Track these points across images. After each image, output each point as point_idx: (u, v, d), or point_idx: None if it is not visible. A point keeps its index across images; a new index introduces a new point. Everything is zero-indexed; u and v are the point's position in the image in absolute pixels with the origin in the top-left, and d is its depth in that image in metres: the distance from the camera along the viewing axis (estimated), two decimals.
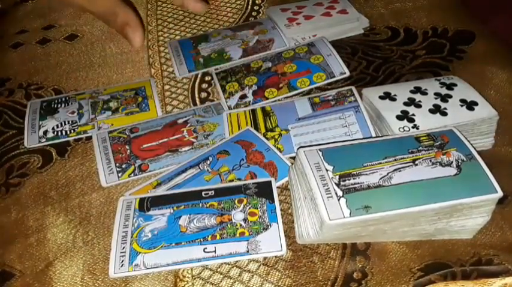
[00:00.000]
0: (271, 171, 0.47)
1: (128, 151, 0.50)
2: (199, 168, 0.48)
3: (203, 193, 0.45)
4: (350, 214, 0.37)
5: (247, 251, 0.40)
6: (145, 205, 0.44)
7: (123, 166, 0.49)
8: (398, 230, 0.40)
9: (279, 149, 0.49)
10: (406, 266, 0.40)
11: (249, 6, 0.70)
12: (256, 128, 0.51)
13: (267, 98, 0.55)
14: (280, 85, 0.56)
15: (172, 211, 0.44)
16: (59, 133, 0.53)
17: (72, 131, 0.53)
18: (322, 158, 0.41)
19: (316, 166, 0.41)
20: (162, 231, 0.42)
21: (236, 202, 0.44)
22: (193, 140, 0.51)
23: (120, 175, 0.48)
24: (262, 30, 0.64)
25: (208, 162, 0.48)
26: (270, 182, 0.45)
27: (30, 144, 0.52)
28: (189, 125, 0.53)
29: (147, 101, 0.56)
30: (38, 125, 0.54)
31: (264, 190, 0.45)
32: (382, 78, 0.56)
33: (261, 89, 0.56)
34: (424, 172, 0.39)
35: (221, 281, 0.40)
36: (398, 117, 0.46)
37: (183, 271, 0.41)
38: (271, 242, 0.41)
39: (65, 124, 0.54)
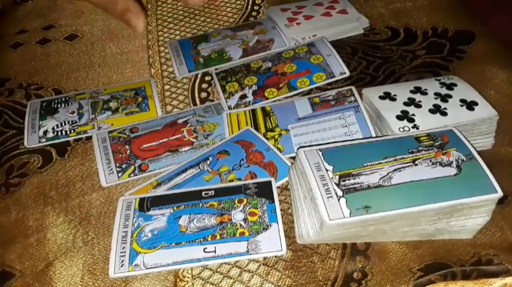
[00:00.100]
0: (271, 171, 0.47)
1: (128, 151, 0.50)
2: (199, 168, 0.48)
3: (203, 193, 0.45)
4: (350, 214, 0.37)
5: (247, 251, 0.40)
6: (145, 205, 0.44)
7: (123, 166, 0.49)
8: (398, 230, 0.40)
9: (279, 149, 0.49)
10: (406, 266, 0.40)
11: (249, 6, 0.70)
12: (256, 128, 0.51)
13: (267, 98, 0.55)
14: (280, 85, 0.56)
15: (172, 211, 0.44)
16: (59, 133, 0.53)
17: (72, 131, 0.53)
18: (322, 158, 0.41)
19: (316, 166, 0.41)
20: (162, 231, 0.42)
21: (236, 202, 0.44)
22: (193, 140, 0.51)
23: (120, 175, 0.48)
24: (262, 30, 0.64)
25: (208, 162, 0.48)
26: (270, 182, 0.45)
27: (30, 144, 0.52)
28: (189, 125, 0.53)
29: (147, 101, 0.56)
30: (38, 125, 0.54)
31: (264, 190, 0.45)
32: (382, 78, 0.56)
33: (261, 89, 0.56)
34: (424, 172, 0.39)
35: (221, 281, 0.40)
36: (398, 117, 0.46)
37: (183, 271, 0.41)
38: (271, 242, 0.41)
39: (65, 124, 0.54)
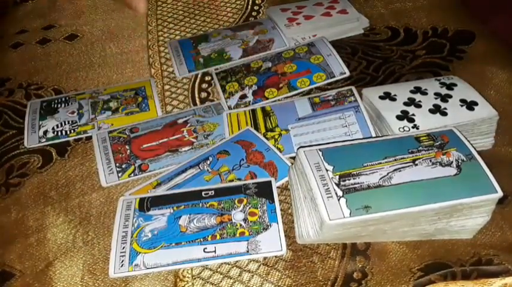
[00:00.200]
0: (271, 171, 0.47)
1: (128, 151, 0.50)
2: (199, 168, 0.48)
3: (203, 193, 0.45)
4: (350, 214, 0.37)
5: (247, 251, 0.40)
6: (145, 205, 0.44)
7: (123, 166, 0.49)
8: (398, 230, 0.40)
9: (279, 149, 0.49)
10: (406, 266, 0.40)
11: (249, 6, 0.70)
12: (256, 128, 0.51)
13: (267, 98, 0.55)
14: (280, 85, 0.56)
15: (172, 211, 0.44)
16: (59, 133, 0.53)
17: (72, 131, 0.53)
18: (322, 158, 0.41)
19: (316, 166, 0.41)
20: (162, 231, 0.42)
21: (236, 202, 0.44)
22: (193, 140, 0.51)
23: (120, 175, 0.48)
24: (262, 30, 0.64)
25: (208, 162, 0.48)
26: (270, 182, 0.45)
27: (30, 144, 0.52)
28: (189, 125, 0.53)
29: (147, 101, 0.56)
30: (38, 125, 0.54)
31: (264, 190, 0.45)
32: (382, 78, 0.56)
33: (261, 89, 0.56)
34: (424, 172, 0.39)
35: (221, 281, 0.40)
36: (398, 117, 0.46)
37: (183, 271, 0.41)
38: (271, 242, 0.41)
39: (65, 124, 0.54)
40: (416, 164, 0.40)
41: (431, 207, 0.37)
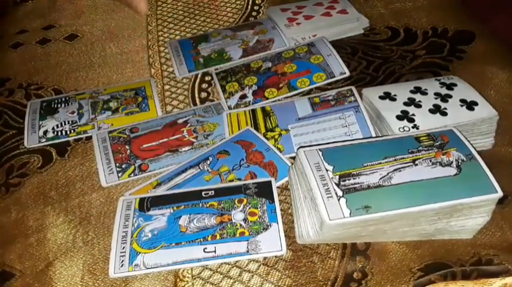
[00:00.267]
0: (271, 171, 0.47)
1: (128, 151, 0.50)
2: (199, 168, 0.48)
3: (203, 193, 0.45)
4: (350, 214, 0.37)
5: (247, 251, 0.40)
6: (145, 205, 0.44)
7: (123, 166, 0.49)
8: (398, 230, 0.40)
9: (279, 149, 0.49)
10: (406, 266, 0.40)
11: (249, 6, 0.70)
12: (256, 128, 0.51)
13: (267, 98, 0.55)
14: (280, 85, 0.56)
15: (172, 211, 0.44)
16: (59, 133, 0.53)
17: (72, 131, 0.53)
18: (322, 158, 0.41)
19: (316, 166, 0.41)
20: (162, 231, 0.42)
21: (236, 202, 0.44)
22: (193, 140, 0.51)
23: (120, 175, 0.48)
24: (262, 30, 0.64)
25: (208, 162, 0.48)
26: (270, 182, 0.45)
27: (30, 144, 0.52)
28: (189, 125, 0.53)
29: (147, 101, 0.56)
30: (38, 125, 0.54)
31: (264, 190, 0.45)
32: (382, 78, 0.56)
33: (261, 89, 0.56)
34: (424, 172, 0.39)
35: (221, 281, 0.40)
36: (398, 117, 0.46)
37: (183, 271, 0.41)
38: (271, 242, 0.41)
39: (65, 124, 0.54)
40: (416, 164, 0.40)
41: (431, 207, 0.37)
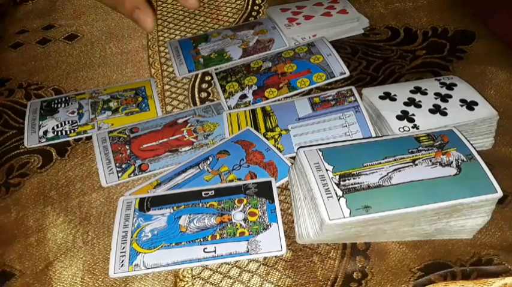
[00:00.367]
0: (271, 171, 0.47)
1: (128, 150, 0.50)
2: (199, 168, 0.48)
3: (203, 193, 0.45)
4: (350, 213, 0.37)
5: (247, 251, 0.40)
6: (145, 204, 0.44)
7: (123, 166, 0.49)
8: (398, 230, 0.40)
9: (279, 149, 0.49)
10: (406, 266, 0.40)
11: (249, 6, 0.70)
12: (256, 128, 0.51)
13: (267, 98, 0.55)
14: (280, 85, 0.56)
15: (172, 210, 0.44)
16: (59, 133, 0.53)
17: (72, 131, 0.53)
18: (322, 158, 0.41)
19: (316, 165, 0.41)
20: (162, 231, 0.42)
21: (236, 202, 0.44)
22: (193, 140, 0.51)
23: (120, 175, 0.48)
24: (262, 30, 0.64)
25: (208, 162, 0.48)
26: (270, 182, 0.45)
27: (30, 144, 0.52)
28: (189, 125, 0.53)
29: (147, 101, 0.56)
30: (38, 125, 0.54)
31: (264, 190, 0.45)
32: (382, 78, 0.56)
33: (261, 89, 0.56)
34: (424, 172, 0.39)
35: (221, 281, 0.40)
36: (398, 117, 0.46)
37: (183, 271, 0.41)
38: (271, 242, 0.41)
39: (65, 124, 0.54)
40: (416, 164, 0.40)
41: (431, 207, 0.37)
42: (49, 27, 0.69)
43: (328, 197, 0.38)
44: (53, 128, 0.54)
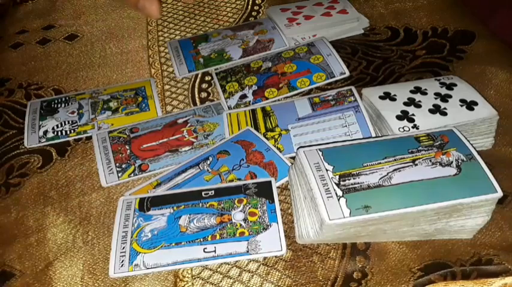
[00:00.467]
0: (271, 171, 0.47)
1: (128, 151, 0.50)
2: (199, 168, 0.48)
3: (203, 193, 0.45)
4: (350, 213, 0.37)
5: (247, 251, 0.40)
6: (145, 204, 0.44)
7: (123, 166, 0.49)
8: (398, 230, 0.40)
9: (279, 149, 0.49)
10: (406, 266, 0.40)
11: (249, 6, 0.70)
12: (256, 128, 0.51)
13: (267, 98, 0.55)
14: (280, 85, 0.56)
15: (172, 210, 0.44)
16: (59, 133, 0.53)
17: (72, 131, 0.53)
18: (322, 158, 0.41)
19: (316, 165, 0.41)
20: (162, 231, 0.42)
21: (236, 202, 0.44)
22: (193, 140, 0.51)
23: (120, 175, 0.48)
24: (262, 30, 0.64)
25: (208, 162, 0.48)
26: (270, 182, 0.45)
27: (30, 144, 0.52)
28: (189, 125, 0.53)
29: (147, 101, 0.56)
30: (38, 125, 0.54)
31: (264, 190, 0.45)
32: (382, 78, 0.56)
33: (261, 89, 0.56)
34: (424, 172, 0.39)
35: (221, 281, 0.40)
36: (398, 117, 0.46)
37: (183, 271, 0.41)
38: (271, 242, 0.41)
39: (65, 124, 0.54)
40: (416, 164, 0.40)
41: (431, 207, 0.37)
42: (49, 27, 0.69)
43: (328, 197, 0.38)
44: (53, 128, 0.54)
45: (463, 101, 0.47)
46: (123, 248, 0.41)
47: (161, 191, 0.46)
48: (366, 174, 0.39)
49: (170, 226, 0.42)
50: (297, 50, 0.60)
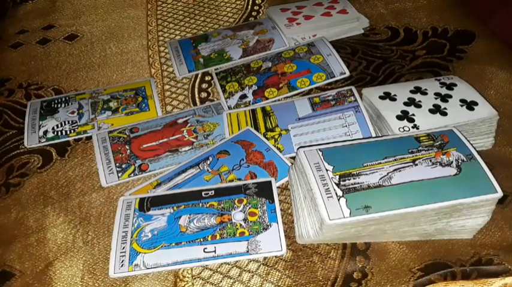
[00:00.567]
0: (271, 171, 0.47)
1: (128, 151, 0.50)
2: (199, 168, 0.48)
3: (203, 193, 0.45)
4: (350, 213, 0.37)
5: (247, 251, 0.40)
6: (146, 205, 0.44)
7: (123, 166, 0.49)
8: (398, 230, 0.40)
9: (279, 149, 0.49)
10: (406, 266, 0.40)
11: (249, 6, 0.70)
12: (256, 128, 0.51)
13: (267, 98, 0.55)
14: (280, 85, 0.56)
15: (172, 210, 0.44)
16: (59, 133, 0.53)
17: (72, 131, 0.53)
18: (322, 158, 0.41)
19: (316, 165, 0.41)
20: (162, 231, 0.42)
21: (236, 202, 0.44)
22: (193, 140, 0.51)
23: (120, 175, 0.48)
24: (262, 30, 0.64)
25: (208, 162, 0.48)
26: (270, 182, 0.45)
27: (30, 144, 0.52)
28: (189, 125, 0.53)
29: (147, 101, 0.56)
30: (38, 125, 0.54)
31: (264, 190, 0.45)
32: (382, 78, 0.56)
33: (261, 89, 0.56)
34: (424, 172, 0.39)
35: (221, 281, 0.40)
36: (398, 117, 0.46)
37: (183, 271, 0.41)
38: (271, 242, 0.41)
39: (65, 124, 0.54)
40: (416, 164, 0.40)
41: (431, 207, 0.37)
42: (49, 27, 0.69)
43: (328, 197, 0.38)
44: (53, 128, 0.54)
45: (463, 101, 0.47)
46: (123, 248, 0.41)
47: (161, 191, 0.46)
48: (366, 174, 0.39)
49: (170, 226, 0.42)
50: (297, 50, 0.60)
